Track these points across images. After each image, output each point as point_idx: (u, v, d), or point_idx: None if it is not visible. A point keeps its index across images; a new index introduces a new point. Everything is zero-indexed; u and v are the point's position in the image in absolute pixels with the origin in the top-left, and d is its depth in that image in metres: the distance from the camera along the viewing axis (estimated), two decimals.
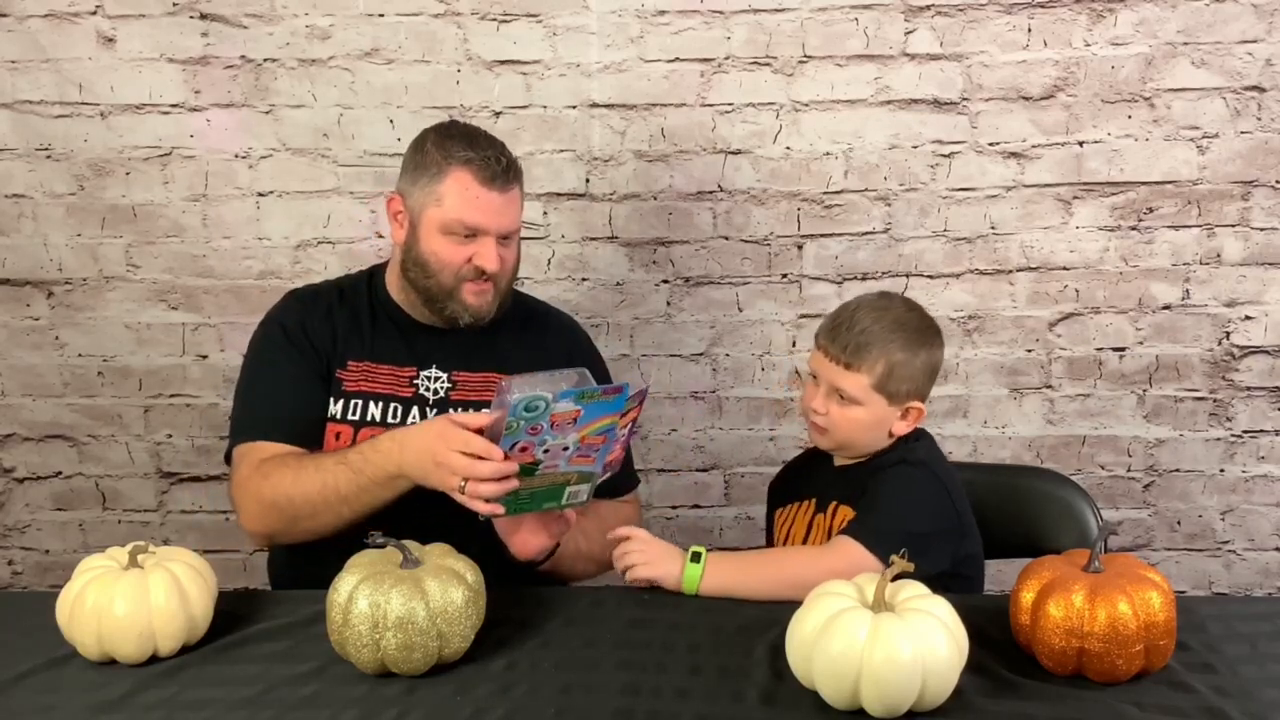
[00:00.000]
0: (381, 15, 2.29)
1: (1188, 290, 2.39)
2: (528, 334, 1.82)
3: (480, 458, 1.43)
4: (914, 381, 1.62)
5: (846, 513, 1.62)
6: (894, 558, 1.26)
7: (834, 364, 1.61)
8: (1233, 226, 2.35)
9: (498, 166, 1.65)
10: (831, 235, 2.38)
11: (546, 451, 1.43)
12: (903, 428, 1.64)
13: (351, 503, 1.57)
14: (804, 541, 1.67)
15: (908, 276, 2.39)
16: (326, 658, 1.37)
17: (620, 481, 1.74)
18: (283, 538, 1.68)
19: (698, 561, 1.52)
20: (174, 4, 2.29)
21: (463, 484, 1.44)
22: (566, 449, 1.44)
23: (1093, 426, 2.46)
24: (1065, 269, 2.38)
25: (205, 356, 2.46)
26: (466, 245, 1.66)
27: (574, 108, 2.33)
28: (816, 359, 1.65)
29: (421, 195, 1.68)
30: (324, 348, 1.74)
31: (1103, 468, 2.48)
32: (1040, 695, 1.30)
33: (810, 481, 1.73)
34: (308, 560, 1.64)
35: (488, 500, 1.44)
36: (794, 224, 2.38)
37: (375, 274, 1.85)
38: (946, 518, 1.60)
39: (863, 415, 1.62)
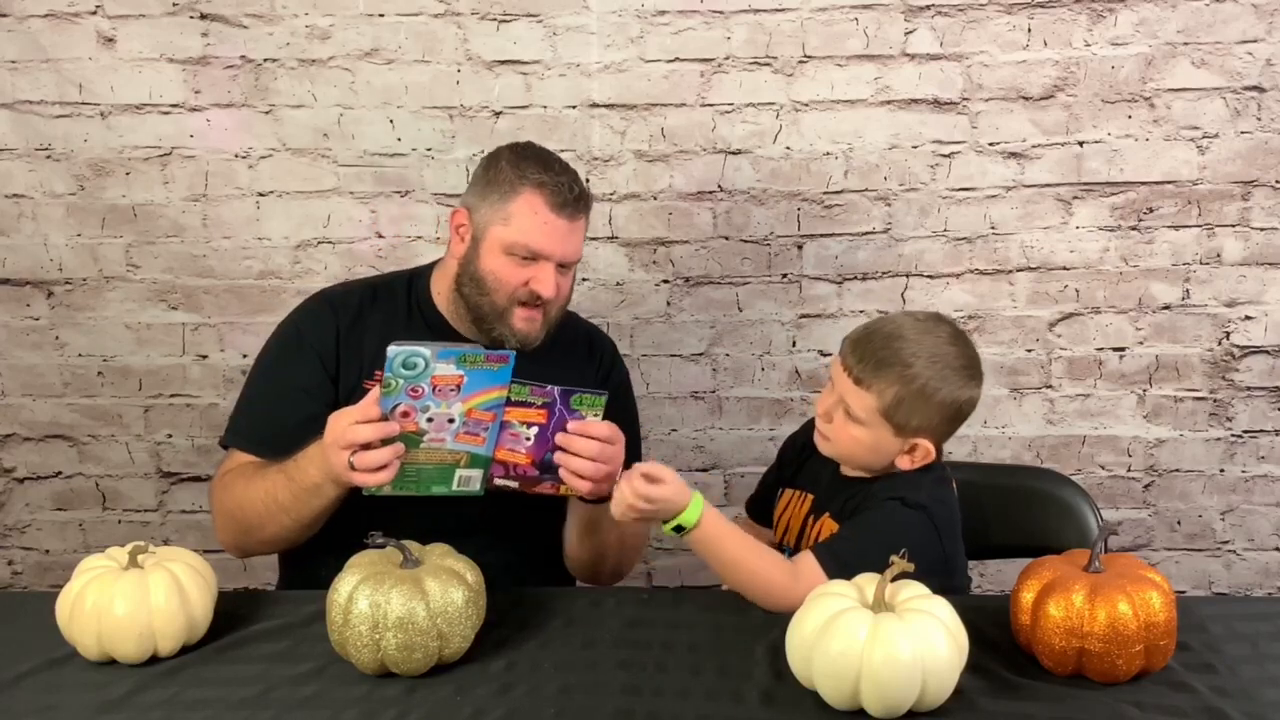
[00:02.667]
0: (381, 15, 2.29)
1: (1188, 290, 2.39)
2: (572, 355, 1.80)
3: (358, 424, 1.42)
4: (926, 418, 1.50)
5: (831, 527, 1.57)
6: (894, 558, 1.26)
7: (847, 375, 1.52)
8: (1233, 226, 2.35)
9: (570, 194, 1.62)
10: (831, 235, 2.38)
11: (430, 420, 1.42)
12: (905, 463, 1.54)
13: (290, 512, 1.56)
14: (797, 539, 1.64)
15: (908, 276, 2.39)
16: (326, 658, 1.37)
17: None
18: (248, 549, 1.68)
19: (680, 532, 1.46)
20: (174, 4, 2.29)
21: (351, 459, 1.42)
22: (452, 421, 1.43)
23: (1093, 426, 2.46)
24: (1065, 269, 2.38)
25: (205, 356, 2.46)
26: (525, 268, 1.63)
27: (574, 108, 2.33)
28: (835, 364, 1.56)
29: (489, 211, 1.64)
30: (348, 359, 1.69)
31: (1103, 468, 2.48)
32: (1040, 695, 1.30)
33: (818, 473, 1.66)
34: (315, 560, 1.64)
35: (381, 468, 1.42)
36: (794, 224, 2.38)
37: (416, 279, 1.79)
38: (928, 561, 1.43)
39: (863, 436, 1.52)
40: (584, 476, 1.51)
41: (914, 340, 1.50)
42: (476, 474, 1.50)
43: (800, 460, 1.72)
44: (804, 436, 1.72)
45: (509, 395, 1.45)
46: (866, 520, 1.51)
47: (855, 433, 1.53)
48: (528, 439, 1.49)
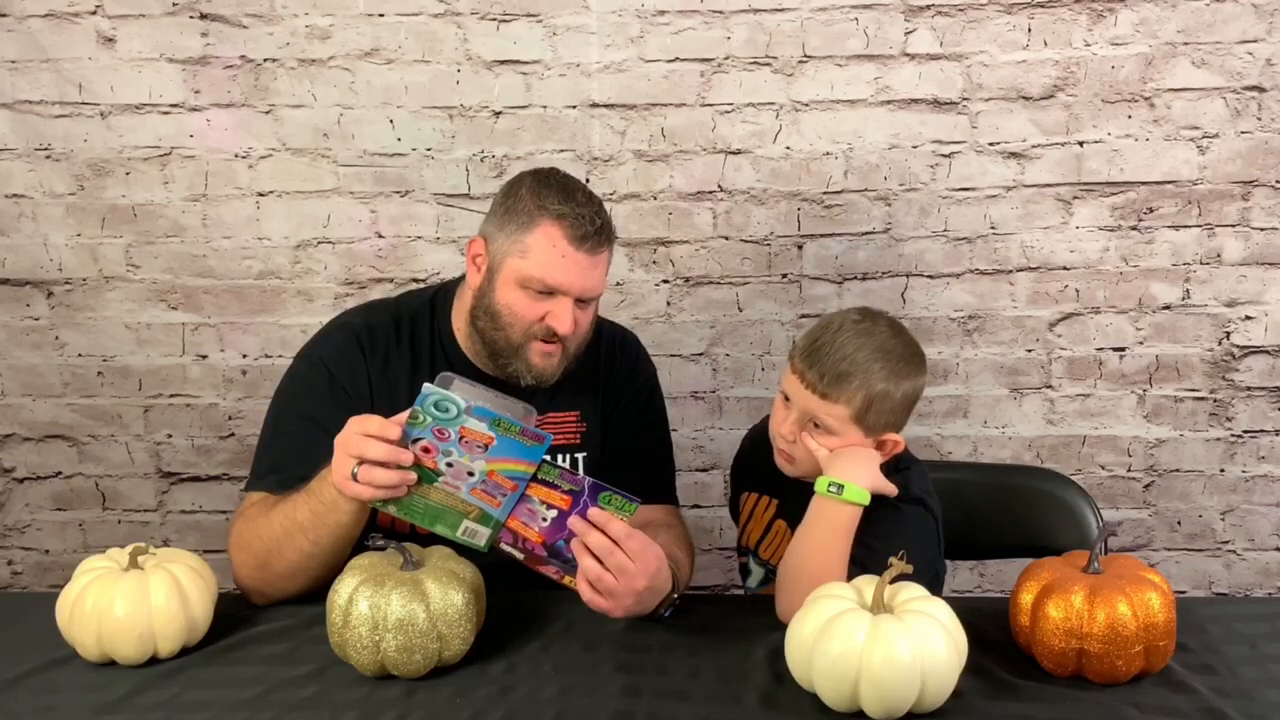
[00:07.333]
0: (381, 15, 2.29)
1: (1188, 290, 2.39)
2: (598, 374, 1.75)
3: (375, 438, 1.35)
4: (893, 414, 1.51)
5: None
6: (892, 560, 1.26)
7: (810, 391, 1.49)
8: (1233, 226, 2.35)
9: (590, 226, 1.55)
10: (831, 235, 2.38)
11: (450, 465, 1.38)
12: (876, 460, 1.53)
13: (309, 532, 1.46)
14: (758, 543, 1.64)
15: (908, 276, 2.39)
16: (326, 660, 1.37)
17: (655, 487, 1.69)
18: (266, 583, 1.54)
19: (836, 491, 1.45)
20: (174, 4, 2.29)
21: (355, 469, 1.36)
22: (472, 474, 1.38)
23: (1093, 426, 2.46)
24: (1065, 269, 2.38)
25: (205, 356, 2.46)
26: (542, 302, 1.56)
27: (574, 108, 2.33)
28: (791, 382, 1.52)
29: (506, 242, 1.57)
30: (382, 406, 1.54)
31: (1103, 468, 2.48)
32: (1040, 697, 1.30)
33: (782, 477, 1.61)
34: None
35: (383, 487, 1.36)
36: (794, 224, 2.38)
37: (437, 306, 1.71)
38: (932, 553, 1.54)
39: (836, 446, 1.51)
40: (586, 573, 1.40)
41: (863, 342, 1.50)
42: (484, 531, 1.43)
43: (757, 462, 1.67)
44: (750, 443, 1.74)
45: (537, 473, 1.39)
46: (882, 530, 1.49)
47: (829, 444, 1.51)
48: (544, 519, 1.42)
